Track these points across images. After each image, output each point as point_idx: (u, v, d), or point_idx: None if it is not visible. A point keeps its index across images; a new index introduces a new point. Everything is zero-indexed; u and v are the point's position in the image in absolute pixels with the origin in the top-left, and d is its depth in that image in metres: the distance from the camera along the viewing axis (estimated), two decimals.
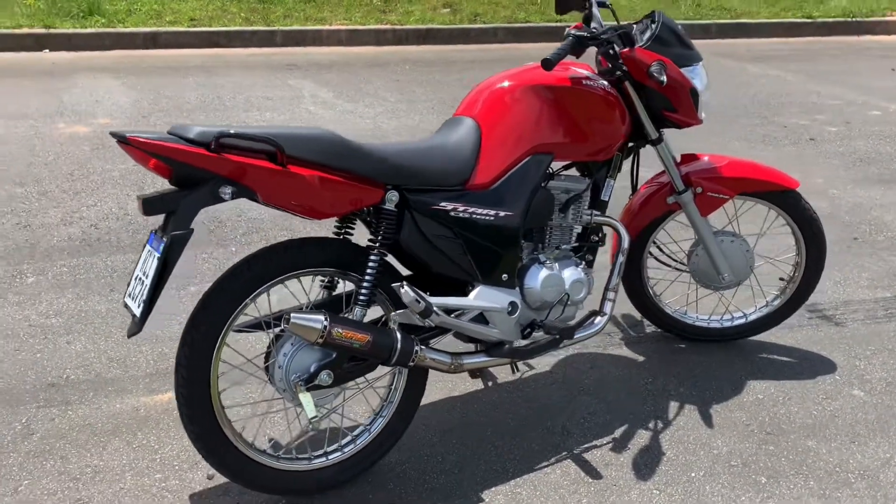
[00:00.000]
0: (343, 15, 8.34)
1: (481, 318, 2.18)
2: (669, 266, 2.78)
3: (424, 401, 2.51)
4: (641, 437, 2.39)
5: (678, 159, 2.61)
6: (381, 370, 2.17)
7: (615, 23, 2.37)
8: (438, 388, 2.57)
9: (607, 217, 2.42)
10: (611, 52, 2.29)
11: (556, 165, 2.34)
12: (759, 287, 2.85)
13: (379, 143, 2.03)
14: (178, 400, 1.93)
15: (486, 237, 2.13)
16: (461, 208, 2.08)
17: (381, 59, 7.42)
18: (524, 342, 2.28)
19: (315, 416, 1.98)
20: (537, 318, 2.28)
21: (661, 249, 2.77)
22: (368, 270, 2.01)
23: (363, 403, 2.35)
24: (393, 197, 2.00)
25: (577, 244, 2.43)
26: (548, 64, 2.07)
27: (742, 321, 2.85)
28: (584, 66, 2.30)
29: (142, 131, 1.78)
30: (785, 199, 2.61)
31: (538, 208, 2.23)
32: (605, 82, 2.29)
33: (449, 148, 2.12)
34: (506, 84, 2.21)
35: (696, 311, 2.88)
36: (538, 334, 2.29)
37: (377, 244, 2.02)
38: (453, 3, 9.07)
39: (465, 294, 2.17)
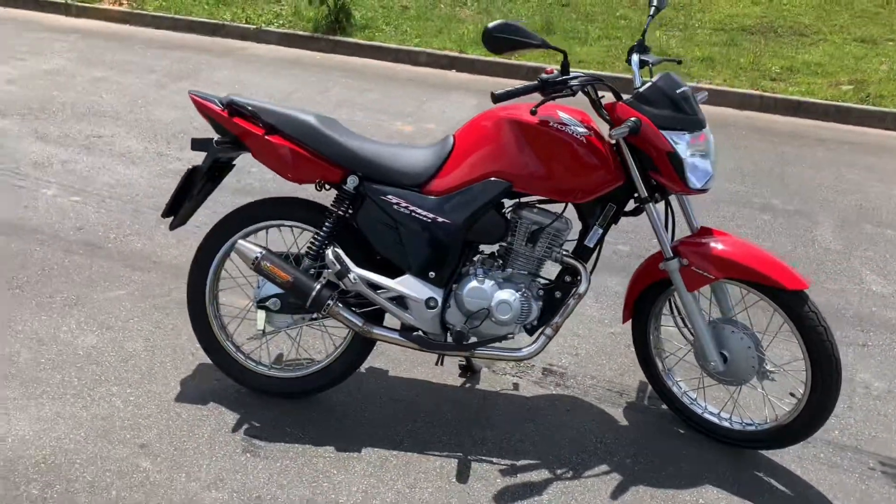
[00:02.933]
0: (720, 75, 8.29)
1: (403, 302, 2.52)
2: (679, 329, 2.64)
3: (406, 374, 2.92)
4: (536, 477, 2.44)
5: (697, 229, 2.51)
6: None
7: (593, 72, 2.41)
8: (422, 370, 2.92)
9: (573, 259, 2.49)
10: (599, 103, 2.40)
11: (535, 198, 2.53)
12: (767, 396, 2.51)
13: (357, 138, 2.53)
14: (186, 290, 2.74)
15: (420, 236, 2.47)
16: (404, 204, 2.46)
17: (726, 121, 7.22)
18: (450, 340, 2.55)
19: (260, 330, 2.61)
20: (463, 322, 2.51)
21: (680, 315, 2.64)
22: (322, 231, 2.54)
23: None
24: (352, 181, 2.49)
25: (549, 280, 2.56)
26: (494, 98, 2.31)
27: (752, 429, 2.54)
28: (577, 112, 2.42)
29: (205, 93, 2.60)
30: (784, 297, 2.31)
31: (484, 227, 2.47)
32: (587, 130, 2.38)
33: (416, 155, 2.52)
34: (490, 115, 2.49)
35: (705, 400, 2.66)
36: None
37: (333, 214, 2.54)
38: (862, 81, 8.28)
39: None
